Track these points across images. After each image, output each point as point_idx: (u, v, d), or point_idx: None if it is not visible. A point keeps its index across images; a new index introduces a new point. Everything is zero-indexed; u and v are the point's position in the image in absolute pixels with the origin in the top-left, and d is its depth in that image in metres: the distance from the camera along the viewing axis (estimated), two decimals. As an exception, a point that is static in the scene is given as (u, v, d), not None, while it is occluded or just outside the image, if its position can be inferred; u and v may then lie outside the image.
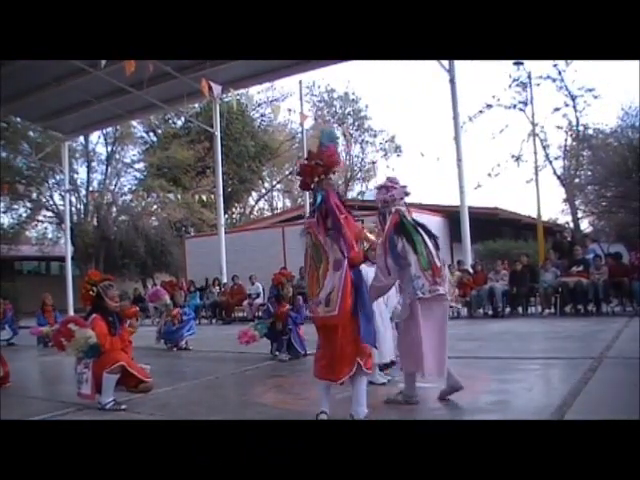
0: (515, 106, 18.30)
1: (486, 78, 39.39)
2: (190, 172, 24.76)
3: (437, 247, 3.68)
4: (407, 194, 3.76)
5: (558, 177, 18.37)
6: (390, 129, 37.25)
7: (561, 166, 18.75)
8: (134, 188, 24.58)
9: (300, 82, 16.16)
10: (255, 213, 32.36)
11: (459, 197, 11.77)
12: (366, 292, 3.32)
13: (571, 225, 18.13)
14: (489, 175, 18.25)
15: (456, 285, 11.00)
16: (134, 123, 23.19)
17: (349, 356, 3.17)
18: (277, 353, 6.31)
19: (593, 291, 9.25)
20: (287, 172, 31.22)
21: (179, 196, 22.66)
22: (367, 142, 30.39)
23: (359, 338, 3.17)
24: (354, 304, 3.17)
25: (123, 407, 4.00)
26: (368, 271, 4.52)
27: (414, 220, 3.71)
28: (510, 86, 18.28)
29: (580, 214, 18.73)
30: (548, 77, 17.80)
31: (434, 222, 14.67)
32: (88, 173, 22.49)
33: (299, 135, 21.09)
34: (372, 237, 4.66)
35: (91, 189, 22.56)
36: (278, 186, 32.56)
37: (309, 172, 3.31)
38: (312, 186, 3.32)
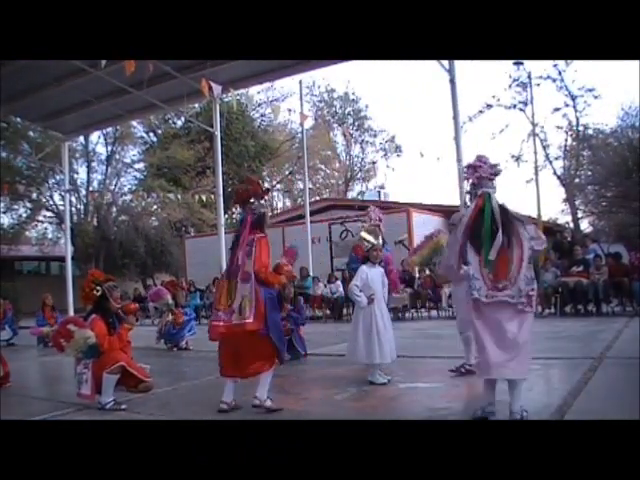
0: (515, 106, 18.34)
1: (486, 78, 39.39)
2: (190, 172, 24.74)
3: (509, 244, 3.15)
4: (496, 173, 3.37)
5: (558, 177, 18.39)
6: (390, 129, 37.26)
7: (561, 166, 18.79)
8: (134, 188, 24.58)
9: (300, 82, 16.13)
10: (255, 213, 32.30)
11: (459, 197, 11.75)
12: (274, 304, 3.74)
13: (571, 225, 18.14)
14: (489, 175, 18.20)
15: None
16: (134, 123, 23.17)
17: (257, 357, 3.68)
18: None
19: (593, 291, 9.24)
20: (287, 172, 31.21)
21: (179, 196, 22.62)
22: (367, 142, 30.45)
23: (265, 344, 3.65)
24: (266, 313, 3.59)
25: (123, 407, 4.00)
26: (370, 272, 4.53)
27: (500, 206, 3.24)
28: (510, 86, 18.32)
29: (580, 214, 18.77)
30: (548, 77, 17.85)
31: (434, 222, 14.67)
32: (88, 173, 22.49)
33: (299, 135, 21.09)
34: (371, 238, 4.66)
35: (91, 189, 22.55)
36: (278, 186, 32.55)
37: (237, 194, 3.97)
38: (241, 206, 3.93)
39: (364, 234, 4.73)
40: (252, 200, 3.84)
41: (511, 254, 3.15)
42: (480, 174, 3.33)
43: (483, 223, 3.19)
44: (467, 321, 4.95)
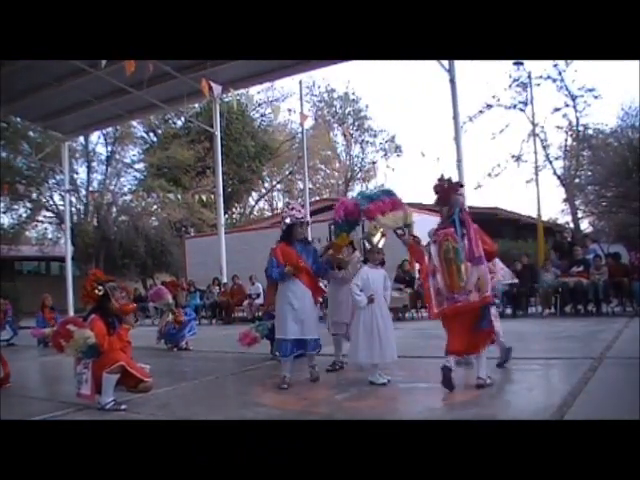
0: (515, 106, 18.30)
1: (486, 78, 39.37)
2: (190, 172, 24.75)
3: None
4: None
5: (558, 177, 18.36)
6: (390, 129, 37.15)
7: (561, 166, 18.75)
8: (134, 188, 24.57)
9: (300, 82, 16.14)
10: (255, 213, 32.35)
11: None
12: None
13: (571, 225, 18.12)
14: (489, 175, 18.18)
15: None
16: (134, 123, 23.18)
17: (487, 332, 4.07)
18: (277, 353, 6.30)
19: (593, 291, 9.24)
20: (287, 172, 31.19)
21: (179, 196, 22.63)
22: (367, 142, 30.41)
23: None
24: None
25: (123, 407, 4.00)
26: (370, 273, 4.52)
27: None
28: (510, 86, 18.29)
29: (580, 214, 18.74)
30: (548, 77, 17.80)
31: (434, 222, 14.65)
32: (88, 173, 22.48)
33: (299, 135, 21.08)
34: (372, 239, 4.66)
35: (91, 189, 22.54)
36: (278, 186, 32.56)
37: (444, 191, 4.26)
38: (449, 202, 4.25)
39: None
40: (458, 194, 4.22)
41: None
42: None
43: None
44: (341, 323, 5.09)
